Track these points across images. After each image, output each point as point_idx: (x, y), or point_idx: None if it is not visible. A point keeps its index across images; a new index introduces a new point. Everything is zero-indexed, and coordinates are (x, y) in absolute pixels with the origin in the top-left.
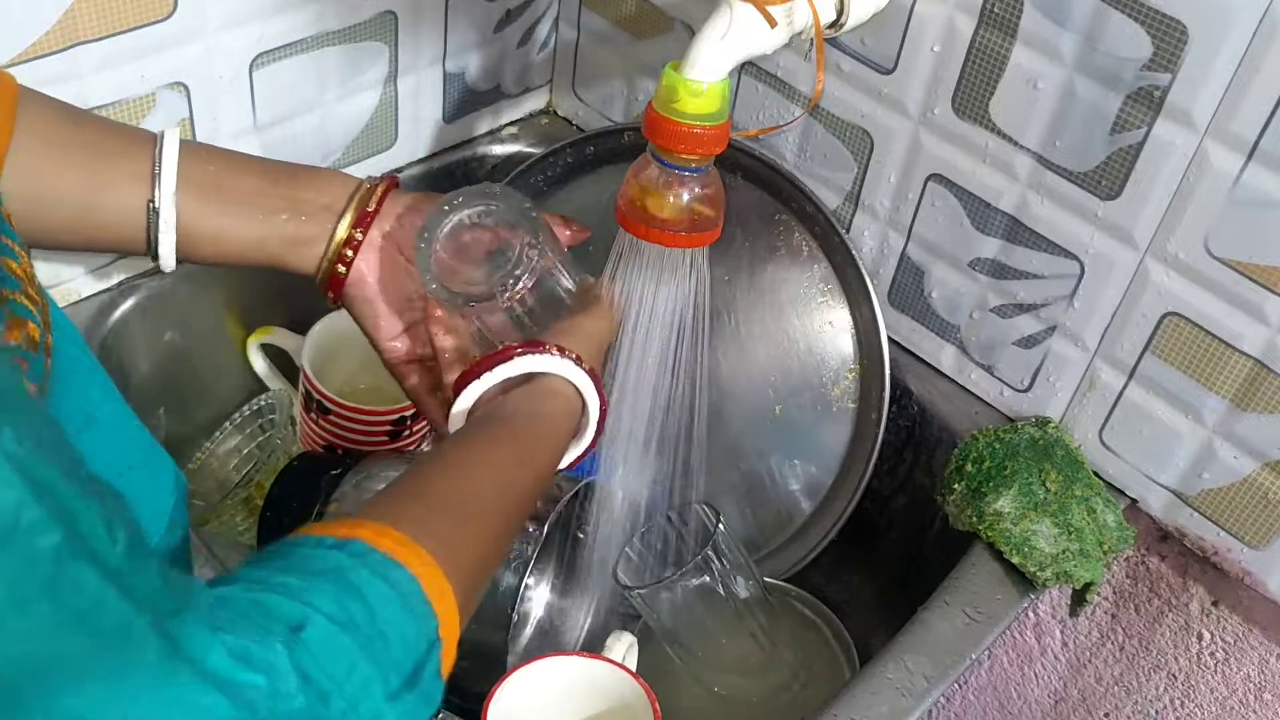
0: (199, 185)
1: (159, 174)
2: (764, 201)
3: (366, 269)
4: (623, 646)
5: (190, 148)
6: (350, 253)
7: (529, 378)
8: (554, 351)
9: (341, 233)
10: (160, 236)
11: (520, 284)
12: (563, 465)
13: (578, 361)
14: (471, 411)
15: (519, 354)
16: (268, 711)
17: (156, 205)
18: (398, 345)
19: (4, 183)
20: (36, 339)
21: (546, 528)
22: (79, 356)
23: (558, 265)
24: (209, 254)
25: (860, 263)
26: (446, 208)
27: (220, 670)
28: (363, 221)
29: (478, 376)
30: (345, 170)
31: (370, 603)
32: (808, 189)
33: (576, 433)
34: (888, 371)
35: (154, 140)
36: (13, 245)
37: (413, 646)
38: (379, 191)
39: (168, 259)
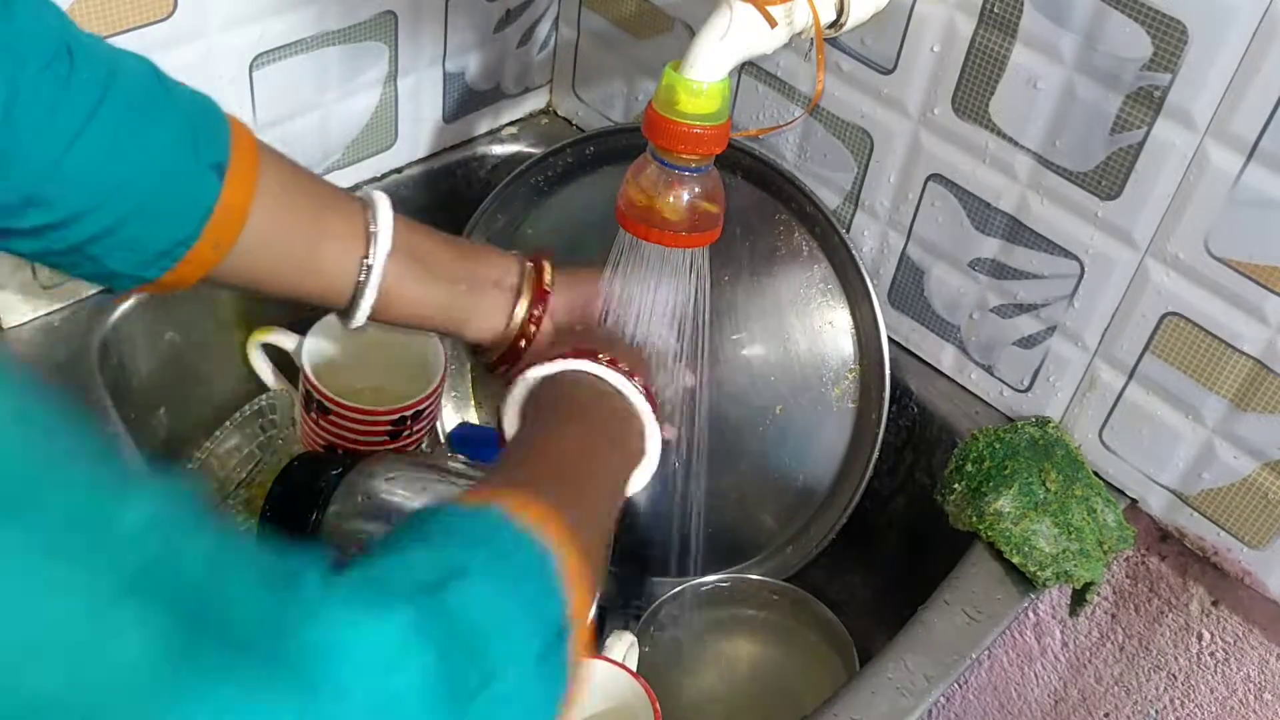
0: (403, 251)
1: (375, 235)
2: (764, 201)
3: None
4: (623, 646)
5: (396, 214)
6: (534, 328)
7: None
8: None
9: (521, 312)
10: (365, 294)
11: None
12: (636, 487)
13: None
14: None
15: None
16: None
17: (370, 263)
18: None
19: (246, 225)
20: None
21: None
22: None
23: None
24: (397, 315)
25: (860, 263)
26: None
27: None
28: (540, 301)
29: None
30: (345, 170)
31: (516, 567)
32: (808, 189)
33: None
34: (888, 371)
35: (363, 202)
36: None
37: (553, 620)
38: (547, 272)
39: (361, 317)
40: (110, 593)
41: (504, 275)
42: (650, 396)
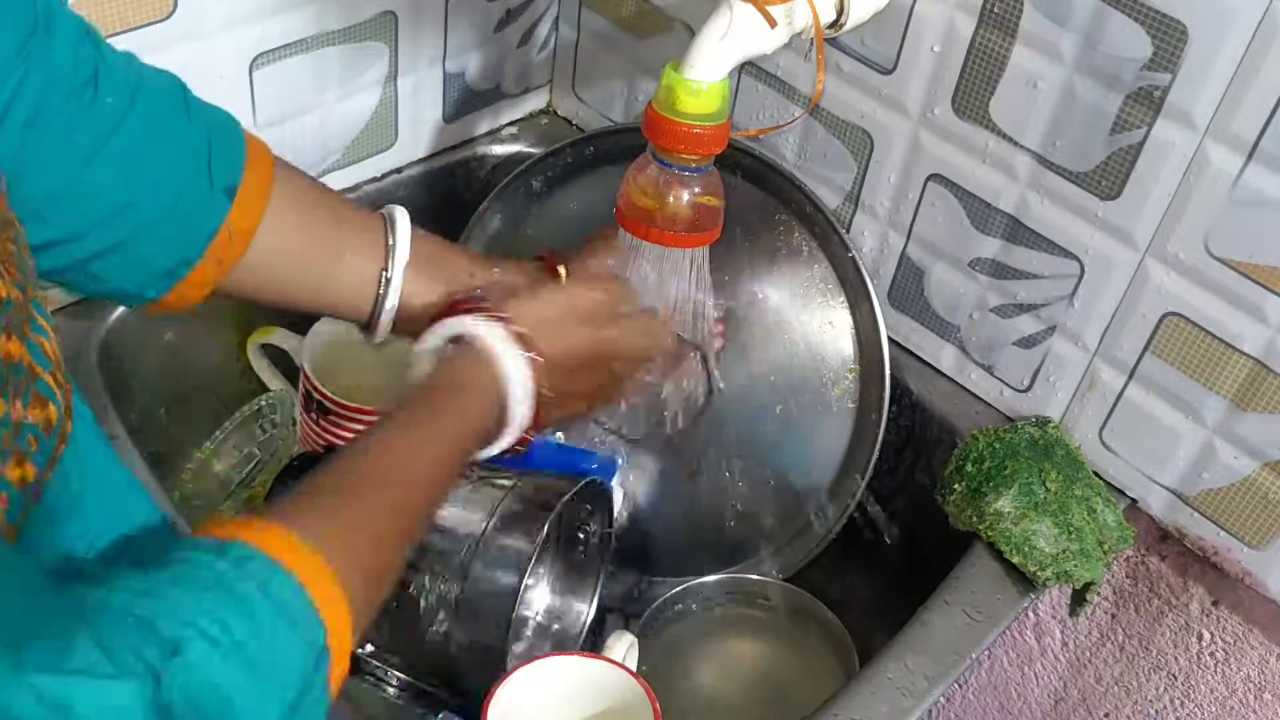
0: (420, 260)
1: (393, 247)
2: (764, 201)
3: None
4: (623, 646)
5: (414, 226)
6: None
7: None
8: (480, 317)
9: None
10: (385, 306)
11: None
12: (487, 454)
13: (517, 337)
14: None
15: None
16: None
17: (389, 275)
18: None
19: (255, 243)
20: (54, 422)
21: (546, 527)
22: (95, 444)
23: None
24: (419, 327)
25: (860, 263)
26: None
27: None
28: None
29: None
30: (345, 170)
31: (257, 619)
32: (808, 189)
33: (501, 419)
34: (888, 371)
35: (381, 216)
36: (46, 325)
37: (299, 664)
38: (562, 275)
39: (384, 330)
40: None
41: (521, 279)
42: (531, 345)
